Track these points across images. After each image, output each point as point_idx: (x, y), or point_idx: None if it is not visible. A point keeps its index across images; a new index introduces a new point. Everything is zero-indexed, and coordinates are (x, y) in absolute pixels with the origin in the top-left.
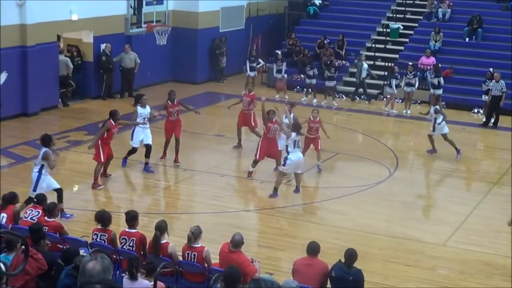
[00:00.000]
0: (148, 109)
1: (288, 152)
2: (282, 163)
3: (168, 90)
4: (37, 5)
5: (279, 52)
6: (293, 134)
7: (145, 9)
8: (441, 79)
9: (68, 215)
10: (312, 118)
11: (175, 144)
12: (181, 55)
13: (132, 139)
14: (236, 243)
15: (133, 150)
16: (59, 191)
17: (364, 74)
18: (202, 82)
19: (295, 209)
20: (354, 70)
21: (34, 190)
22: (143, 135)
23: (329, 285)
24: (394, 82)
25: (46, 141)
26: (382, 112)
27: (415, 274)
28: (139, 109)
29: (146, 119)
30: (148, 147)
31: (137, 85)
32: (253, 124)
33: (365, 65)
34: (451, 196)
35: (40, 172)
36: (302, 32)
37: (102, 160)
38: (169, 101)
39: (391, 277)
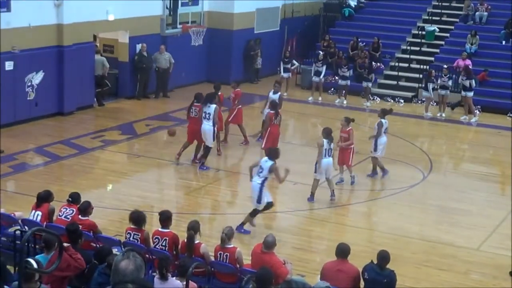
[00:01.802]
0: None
1: (321, 159)
2: (314, 171)
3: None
4: (74, 5)
5: (321, 53)
6: (325, 142)
7: (181, 9)
8: (473, 81)
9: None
10: (341, 127)
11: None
12: (216, 56)
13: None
14: (269, 245)
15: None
16: (269, 205)
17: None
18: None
19: (327, 211)
20: (390, 72)
21: (259, 202)
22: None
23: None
24: (430, 85)
25: (273, 154)
26: (420, 115)
27: (447, 278)
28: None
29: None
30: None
31: (172, 85)
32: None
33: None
34: (486, 200)
35: (262, 184)
36: (337, 34)
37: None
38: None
39: (423, 281)
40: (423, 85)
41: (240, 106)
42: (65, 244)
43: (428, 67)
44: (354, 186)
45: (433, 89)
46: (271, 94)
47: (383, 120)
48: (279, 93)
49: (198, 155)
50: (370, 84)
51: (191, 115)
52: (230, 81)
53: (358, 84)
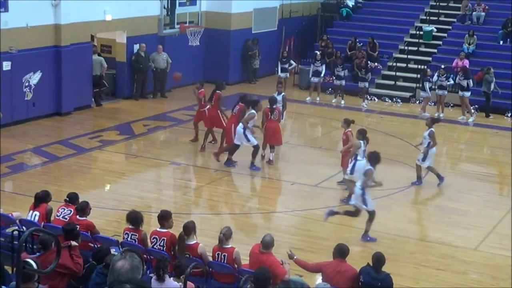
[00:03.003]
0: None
1: (356, 160)
2: (350, 171)
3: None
4: (72, 5)
5: (318, 53)
6: (362, 143)
7: (178, 10)
8: (470, 81)
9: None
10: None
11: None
12: (214, 56)
13: (249, 140)
14: (266, 244)
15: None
16: (372, 214)
17: (492, 87)
18: (234, 83)
19: (326, 211)
20: (388, 72)
21: (366, 205)
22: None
23: None
24: (427, 85)
25: (374, 159)
26: (417, 115)
27: (446, 278)
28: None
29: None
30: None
31: (169, 85)
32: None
33: (493, 78)
34: (484, 200)
35: (363, 188)
36: (335, 34)
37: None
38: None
39: (422, 281)
40: (420, 85)
41: (208, 106)
42: (74, 243)
43: (426, 67)
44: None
45: (430, 88)
46: (275, 95)
47: (433, 129)
48: (283, 93)
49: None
50: (367, 84)
51: (233, 114)
52: (229, 81)
53: (356, 84)
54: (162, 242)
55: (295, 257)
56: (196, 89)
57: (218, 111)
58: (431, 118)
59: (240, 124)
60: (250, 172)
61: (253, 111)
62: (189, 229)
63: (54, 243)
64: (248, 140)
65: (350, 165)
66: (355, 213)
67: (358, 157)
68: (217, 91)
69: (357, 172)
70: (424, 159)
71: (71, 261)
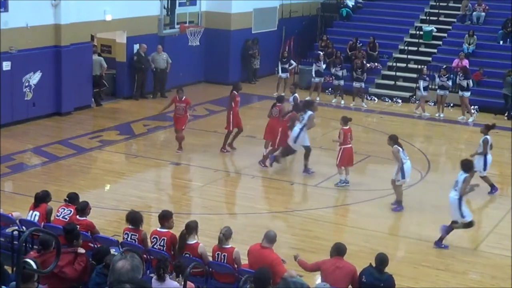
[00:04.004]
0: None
1: (402, 163)
2: (401, 176)
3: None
4: (72, 5)
5: (322, 53)
6: (398, 148)
7: (178, 10)
8: (470, 82)
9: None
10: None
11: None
12: (214, 56)
13: (304, 142)
14: (270, 239)
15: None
16: (470, 223)
17: None
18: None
19: (325, 211)
20: (387, 72)
21: (463, 216)
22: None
23: None
24: (422, 83)
25: (466, 166)
26: (413, 114)
27: (446, 278)
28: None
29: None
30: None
31: (169, 85)
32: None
33: None
34: (484, 200)
35: (460, 199)
36: (335, 34)
37: (231, 128)
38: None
39: (422, 281)
40: (417, 85)
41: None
42: (81, 251)
43: (425, 67)
44: (351, 186)
45: (425, 88)
46: (290, 98)
47: (488, 137)
48: (295, 94)
49: (273, 155)
50: (362, 84)
51: (272, 115)
52: (229, 81)
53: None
54: (162, 242)
55: (298, 258)
56: (177, 95)
57: (235, 113)
58: (485, 125)
59: (298, 125)
60: (250, 172)
61: (310, 112)
62: (191, 228)
63: (55, 243)
64: (295, 141)
65: (398, 174)
66: (467, 225)
67: (403, 160)
68: (234, 91)
69: (407, 174)
70: (485, 169)
71: (70, 266)
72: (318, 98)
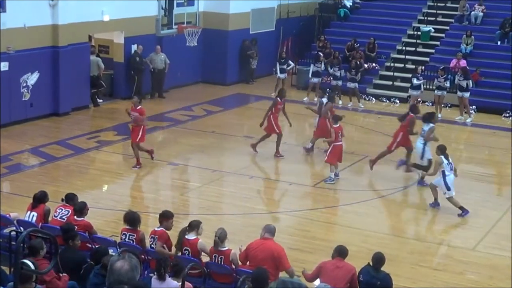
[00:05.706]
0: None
1: (444, 176)
2: (447, 189)
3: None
4: (69, 5)
5: (321, 54)
6: (443, 159)
7: (176, 10)
8: (470, 82)
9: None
10: None
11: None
12: (211, 57)
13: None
14: (271, 230)
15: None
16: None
17: None
18: (231, 84)
19: (323, 211)
20: (385, 73)
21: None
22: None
23: None
24: (414, 80)
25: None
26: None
27: (443, 278)
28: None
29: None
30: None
31: (167, 86)
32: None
33: None
34: (481, 200)
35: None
36: (333, 34)
37: (280, 131)
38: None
39: (420, 281)
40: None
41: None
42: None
43: (423, 67)
44: (349, 187)
45: (417, 86)
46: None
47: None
48: (322, 98)
49: None
50: (357, 85)
51: (402, 123)
52: (226, 82)
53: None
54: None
55: (305, 272)
56: (133, 105)
57: (275, 118)
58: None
59: (422, 140)
60: (247, 172)
61: (432, 124)
62: (192, 226)
63: (49, 246)
64: (422, 156)
65: (441, 183)
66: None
67: (446, 173)
68: (277, 98)
69: (452, 187)
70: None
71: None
72: (316, 99)
